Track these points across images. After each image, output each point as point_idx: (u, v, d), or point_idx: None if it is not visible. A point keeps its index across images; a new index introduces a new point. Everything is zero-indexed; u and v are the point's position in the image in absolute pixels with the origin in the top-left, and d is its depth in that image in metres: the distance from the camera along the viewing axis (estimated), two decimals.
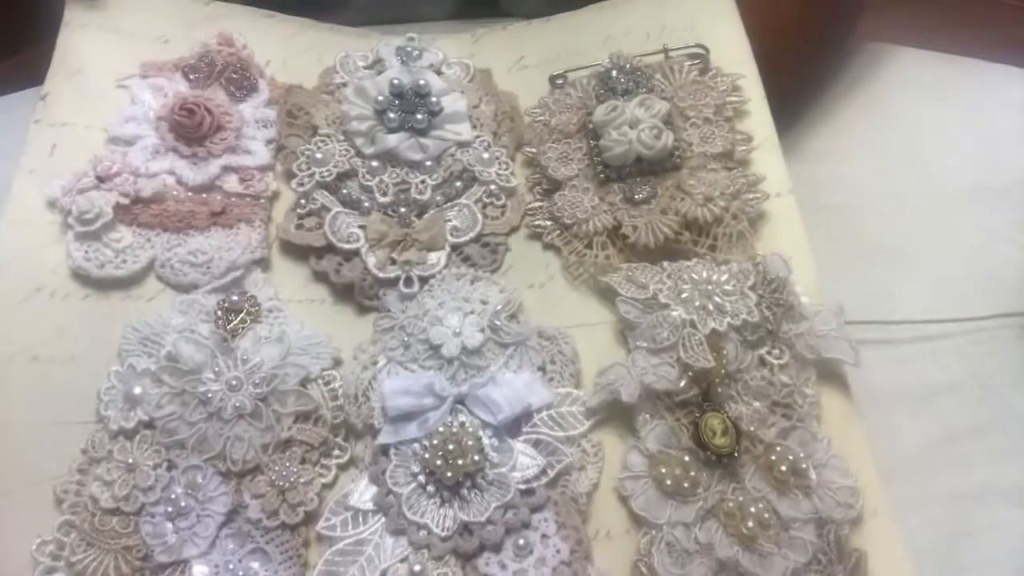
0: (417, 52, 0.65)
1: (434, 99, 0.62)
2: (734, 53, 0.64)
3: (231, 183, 0.58)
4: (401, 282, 0.57)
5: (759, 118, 0.61)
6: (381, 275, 0.57)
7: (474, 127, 0.63)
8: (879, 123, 0.75)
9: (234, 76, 0.62)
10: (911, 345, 0.62)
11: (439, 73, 0.65)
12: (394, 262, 0.57)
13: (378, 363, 0.53)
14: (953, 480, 0.56)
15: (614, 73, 0.62)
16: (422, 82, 0.62)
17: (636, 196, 0.58)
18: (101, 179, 0.56)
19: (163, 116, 0.59)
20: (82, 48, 0.64)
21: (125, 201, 0.56)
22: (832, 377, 0.52)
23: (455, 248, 0.59)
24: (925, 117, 0.75)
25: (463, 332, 0.54)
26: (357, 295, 0.56)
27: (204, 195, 0.58)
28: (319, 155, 0.60)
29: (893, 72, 0.78)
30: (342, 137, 0.61)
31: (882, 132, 0.74)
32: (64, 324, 0.53)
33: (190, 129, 0.58)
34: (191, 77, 0.62)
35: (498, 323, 0.54)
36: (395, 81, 0.62)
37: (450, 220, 0.60)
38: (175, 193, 0.58)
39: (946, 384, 0.60)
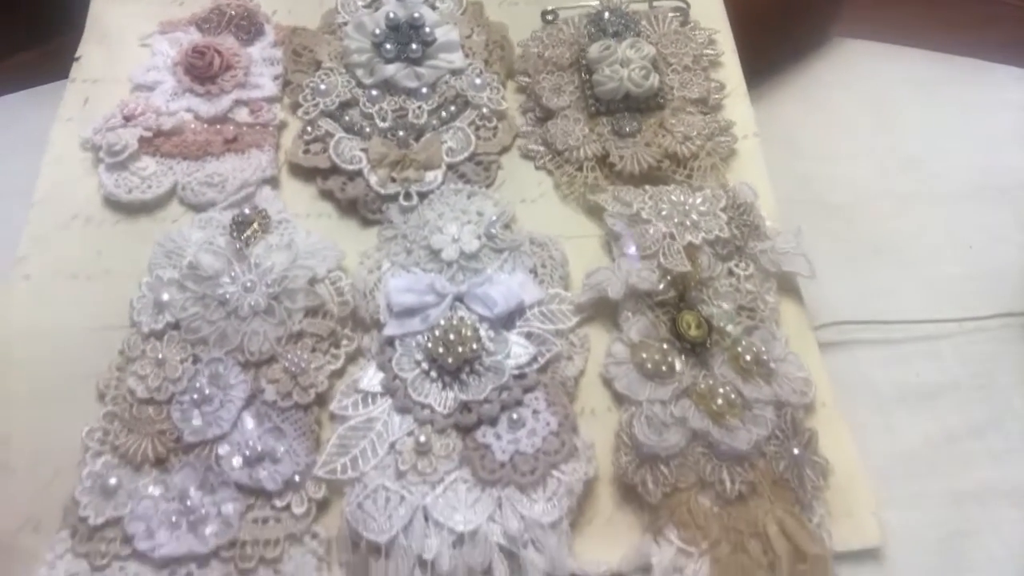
0: None
1: (428, 30, 0.66)
2: (709, 9, 0.70)
3: (242, 115, 0.64)
4: (401, 196, 0.61)
5: (731, 69, 0.67)
6: (383, 191, 0.61)
7: (466, 56, 0.67)
8: (879, 123, 0.76)
9: (242, 23, 0.68)
10: (911, 345, 0.63)
11: (433, 8, 0.70)
12: (394, 180, 0.61)
13: (383, 267, 0.57)
14: (953, 480, 0.56)
15: (606, 15, 0.68)
16: (416, 15, 0.66)
17: (624, 129, 0.63)
18: (127, 119, 0.62)
19: (179, 61, 0.65)
20: (109, 16, 0.70)
21: (148, 134, 0.61)
22: (791, 292, 0.58)
23: (451, 167, 0.63)
24: (925, 117, 0.76)
25: (461, 239, 0.58)
26: (360, 209, 0.61)
27: (218, 126, 0.63)
28: (323, 86, 0.65)
29: (893, 72, 0.80)
30: (343, 70, 0.66)
31: (882, 132, 0.76)
32: (99, 247, 0.59)
33: (202, 69, 0.64)
34: (203, 27, 0.68)
35: (493, 231, 0.58)
36: (391, 15, 0.66)
37: (446, 142, 0.64)
38: (192, 126, 0.63)
39: (946, 384, 0.61)
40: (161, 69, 0.65)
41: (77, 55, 0.68)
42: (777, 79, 0.81)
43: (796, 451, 0.50)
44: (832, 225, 0.69)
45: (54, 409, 0.53)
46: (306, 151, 0.63)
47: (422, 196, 0.61)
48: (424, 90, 0.65)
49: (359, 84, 0.66)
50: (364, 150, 0.63)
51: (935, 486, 0.56)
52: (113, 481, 0.49)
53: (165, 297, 0.54)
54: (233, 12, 0.68)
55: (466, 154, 0.63)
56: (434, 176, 0.62)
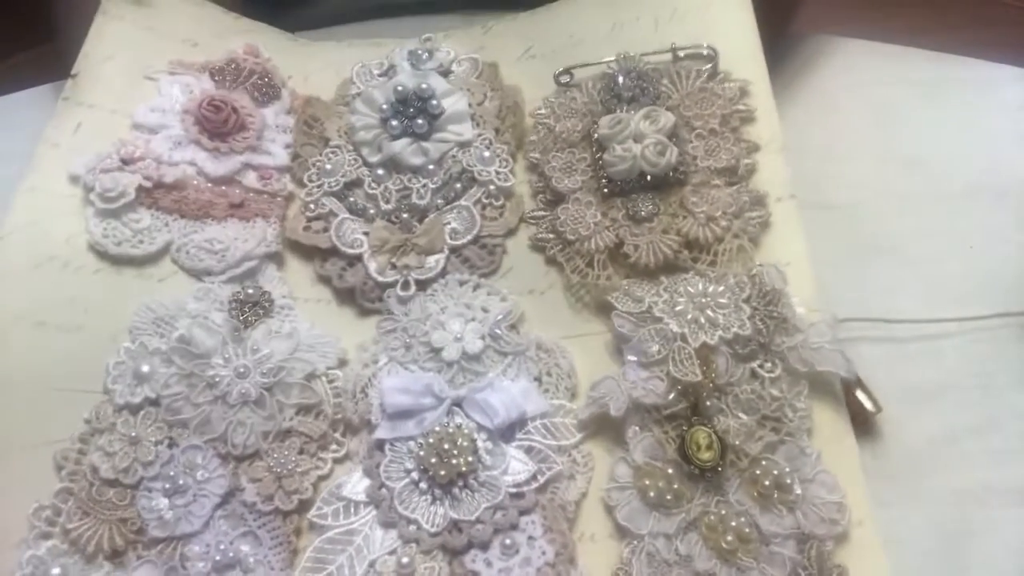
0: (427, 55, 0.67)
1: (435, 102, 0.63)
2: (742, 45, 0.63)
3: (250, 179, 0.61)
4: (399, 285, 0.59)
5: (765, 120, 0.61)
6: (381, 279, 0.59)
7: (477, 124, 0.64)
8: (879, 123, 0.74)
9: (259, 82, 0.65)
10: (911, 344, 0.61)
11: (448, 73, 0.67)
12: (394, 267, 0.59)
13: (379, 361, 0.55)
14: (953, 480, 0.55)
15: (620, 79, 0.61)
16: (424, 86, 0.63)
17: (639, 214, 0.58)
18: (124, 162, 0.58)
19: (189, 110, 0.62)
20: (115, 37, 0.66)
21: (148, 184, 0.58)
22: (825, 389, 0.52)
23: (454, 250, 0.61)
24: (924, 117, 0.74)
25: (464, 338, 0.56)
26: (358, 298, 0.59)
27: (224, 187, 0.60)
28: (328, 166, 0.62)
29: (893, 72, 0.78)
30: (351, 147, 0.64)
31: (882, 132, 0.74)
32: (74, 294, 0.54)
33: (216, 124, 0.61)
34: (217, 78, 0.65)
35: (498, 332, 0.56)
36: (399, 88, 0.63)
37: (449, 223, 0.61)
38: (195, 183, 0.60)
39: (946, 384, 0.59)
40: (167, 112, 0.62)
41: (74, 71, 0.63)
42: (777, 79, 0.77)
43: None
44: (833, 225, 0.67)
45: (3, 477, 0.48)
46: (307, 227, 0.60)
47: (421, 284, 0.59)
48: (430, 167, 0.63)
49: (365, 163, 0.64)
50: (366, 234, 0.61)
51: (935, 486, 0.55)
52: (56, 572, 0.45)
53: (146, 369, 0.51)
54: (251, 70, 0.65)
55: (470, 236, 0.61)
56: (435, 261, 0.60)
